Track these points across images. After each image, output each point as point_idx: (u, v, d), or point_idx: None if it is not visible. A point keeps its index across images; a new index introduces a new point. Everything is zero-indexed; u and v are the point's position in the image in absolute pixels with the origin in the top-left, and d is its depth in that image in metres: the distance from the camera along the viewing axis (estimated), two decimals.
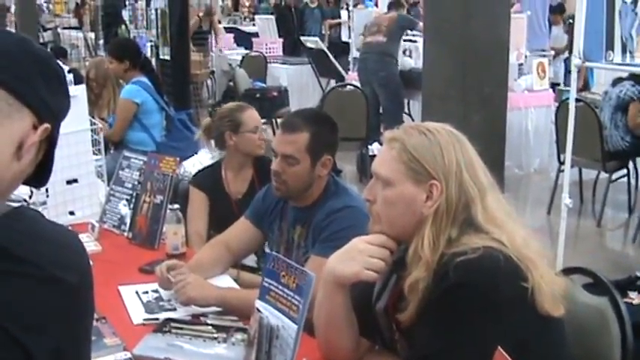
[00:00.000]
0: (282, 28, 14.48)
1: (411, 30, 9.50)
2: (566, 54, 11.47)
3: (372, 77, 9.06)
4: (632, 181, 7.43)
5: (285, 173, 2.93)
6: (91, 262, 1.29)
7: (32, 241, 1.19)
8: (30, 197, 3.57)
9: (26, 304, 1.14)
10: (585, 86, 10.82)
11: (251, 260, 3.69)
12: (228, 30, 15.71)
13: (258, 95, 9.57)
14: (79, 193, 3.78)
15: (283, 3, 16.64)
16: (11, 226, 1.18)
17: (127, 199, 3.70)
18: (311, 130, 2.94)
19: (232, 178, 4.00)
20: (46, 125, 1.31)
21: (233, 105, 4.22)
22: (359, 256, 2.08)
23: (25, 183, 1.37)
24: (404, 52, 10.04)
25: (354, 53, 11.78)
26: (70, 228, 1.36)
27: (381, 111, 9.15)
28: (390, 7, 9.78)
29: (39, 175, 1.38)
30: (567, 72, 11.40)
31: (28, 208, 1.27)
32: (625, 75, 7.09)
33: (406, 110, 9.84)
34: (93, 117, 4.24)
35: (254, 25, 16.36)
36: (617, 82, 7.30)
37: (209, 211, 3.94)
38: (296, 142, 2.92)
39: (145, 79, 5.98)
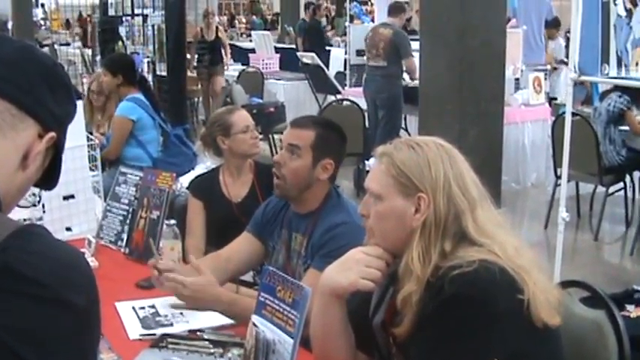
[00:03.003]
0: (313, 42, 14.51)
1: (403, 57, 9.00)
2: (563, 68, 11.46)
3: (375, 96, 9.15)
4: (629, 195, 7.45)
5: (285, 165, 2.96)
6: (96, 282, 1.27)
7: (40, 261, 1.16)
8: (39, 201, 3.57)
9: (33, 324, 1.12)
10: (589, 100, 10.77)
11: (248, 275, 3.68)
12: None
13: (255, 111, 9.54)
14: (75, 209, 3.78)
15: (310, 16, 16.57)
16: (19, 246, 1.16)
17: (123, 215, 3.70)
18: (318, 130, 2.99)
19: (231, 183, 3.99)
20: (52, 134, 1.30)
21: (222, 109, 4.23)
22: (356, 266, 2.08)
23: (34, 186, 1.36)
24: None
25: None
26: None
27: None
28: (390, 12, 9.36)
29: (47, 179, 1.37)
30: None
31: (35, 226, 1.25)
32: (610, 87, 7.12)
33: (403, 125, 9.86)
34: (90, 133, 4.24)
35: (250, 41, 16.41)
36: (604, 96, 7.32)
37: (207, 216, 3.93)
38: (302, 135, 2.98)
39: (139, 96, 5.98)
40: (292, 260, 3.05)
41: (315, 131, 2.98)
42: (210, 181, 4.04)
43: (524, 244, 2.06)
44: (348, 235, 2.79)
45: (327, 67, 12.49)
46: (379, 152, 2.12)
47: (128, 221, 3.65)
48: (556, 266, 4.69)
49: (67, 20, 23.60)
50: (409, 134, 9.35)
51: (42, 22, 25.18)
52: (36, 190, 3.67)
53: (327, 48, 15.06)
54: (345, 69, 12.70)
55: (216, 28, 12.92)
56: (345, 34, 15.91)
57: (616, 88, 6.98)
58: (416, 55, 8.05)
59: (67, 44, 18.43)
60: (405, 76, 9.37)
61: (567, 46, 11.08)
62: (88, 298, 1.20)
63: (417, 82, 9.05)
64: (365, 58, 9.66)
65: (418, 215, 2.00)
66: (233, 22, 26.96)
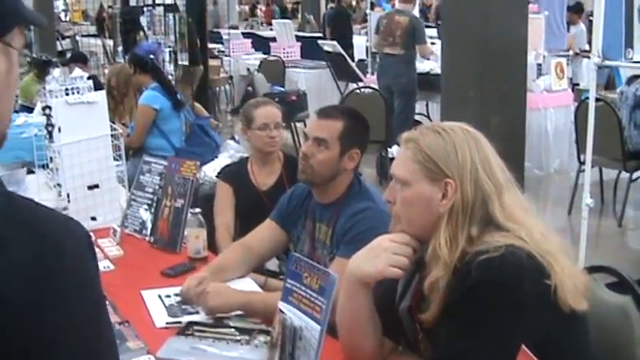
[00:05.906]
0: (338, 30, 14.46)
1: (418, 42, 9.01)
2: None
3: (392, 82, 9.02)
4: None
5: (313, 157, 2.97)
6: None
7: None
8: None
9: None
10: (612, 85, 10.68)
11: (273, 265, 3.70)
12: (245, 35, 15.80)
13: (277, 99, 9.50)
14: (100, 199, 3.80)
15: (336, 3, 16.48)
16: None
17: (147, 204, 3.71)
18: (345, 120, 3.00)
19: (258, 171, 4.05)
20: None
21: (253, 100, 4.29)
22: (383, 254, 2.08)
23: None
24: None
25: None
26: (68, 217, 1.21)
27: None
28: None
29: None
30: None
31: (18, 197, 1.15)
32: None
33: (425, 113, 9.82)
34: (113, 123, 4.25)
35: (271, 29, 16.42)
36: (631, 80, 7.26)
37: (236, 202, 3.97)
38: (329, 127, 2.99)
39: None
40: (317, 250, 3.06)
41: (343, 122, 2.99)
42: (238, 168, 4.12)
43: (550, 230, 2.06)
44: (372, 219, 2.81)
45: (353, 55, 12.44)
46: (405, 138, 2.12)
47: (153, 210, 3.66)
48: (580, 253, 4.67)
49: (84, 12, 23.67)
50: (431, 121, 9.33)
51: (63, 14, 25.27)
52: (60, 180, 3.70)
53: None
54: (366, 56, 12.65)
55: None
56: (365, 22, 15.89)
57: None
58: (437, 42, 8.03)
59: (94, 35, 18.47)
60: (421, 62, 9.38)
61: (589, 31, 11.05)
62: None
63: (436, 68, 9.07)
64: (377, 43, 9.61)
65: (445, 201, 2.00)
66: (254, 11, 27.00)
